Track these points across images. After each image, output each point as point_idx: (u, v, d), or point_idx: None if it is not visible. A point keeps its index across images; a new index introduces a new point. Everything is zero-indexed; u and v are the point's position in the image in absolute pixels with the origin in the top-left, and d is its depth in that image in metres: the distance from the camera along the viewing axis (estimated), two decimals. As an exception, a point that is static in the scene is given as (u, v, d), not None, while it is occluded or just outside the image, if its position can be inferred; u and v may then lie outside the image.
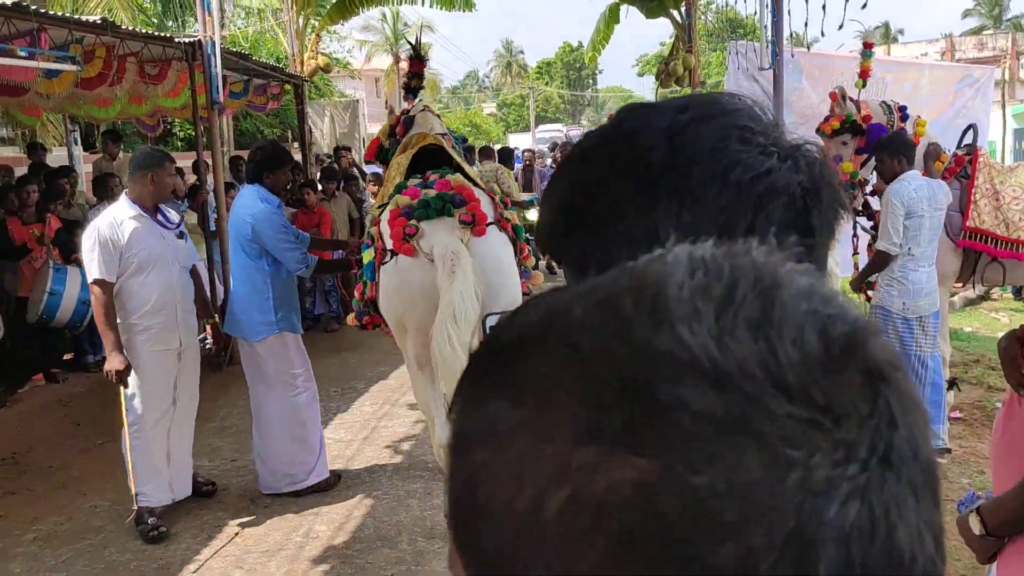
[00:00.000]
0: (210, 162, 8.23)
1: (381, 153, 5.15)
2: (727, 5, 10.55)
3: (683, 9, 12.44)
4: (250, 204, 4.73)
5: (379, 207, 4.31)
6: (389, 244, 3.98)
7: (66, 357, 8.37)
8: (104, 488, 5.25)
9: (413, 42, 5.92)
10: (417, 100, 5.36)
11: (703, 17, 19.37)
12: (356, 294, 4.34)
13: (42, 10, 6.74)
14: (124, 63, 7.78)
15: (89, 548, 4.41)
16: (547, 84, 67.05)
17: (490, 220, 4.03)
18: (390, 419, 6.29)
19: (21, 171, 9.66)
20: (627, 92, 73.90)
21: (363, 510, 4.66)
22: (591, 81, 73.38)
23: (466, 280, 3.67)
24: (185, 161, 11.08)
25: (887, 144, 5.14)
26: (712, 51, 38.53)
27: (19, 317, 7.69)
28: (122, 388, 4.47)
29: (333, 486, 4.97)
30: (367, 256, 4.15)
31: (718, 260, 0.39)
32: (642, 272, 0.39)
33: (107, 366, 4.39)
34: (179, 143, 16.54)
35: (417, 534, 4.33)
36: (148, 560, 4.23)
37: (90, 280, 4.41)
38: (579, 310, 0.38)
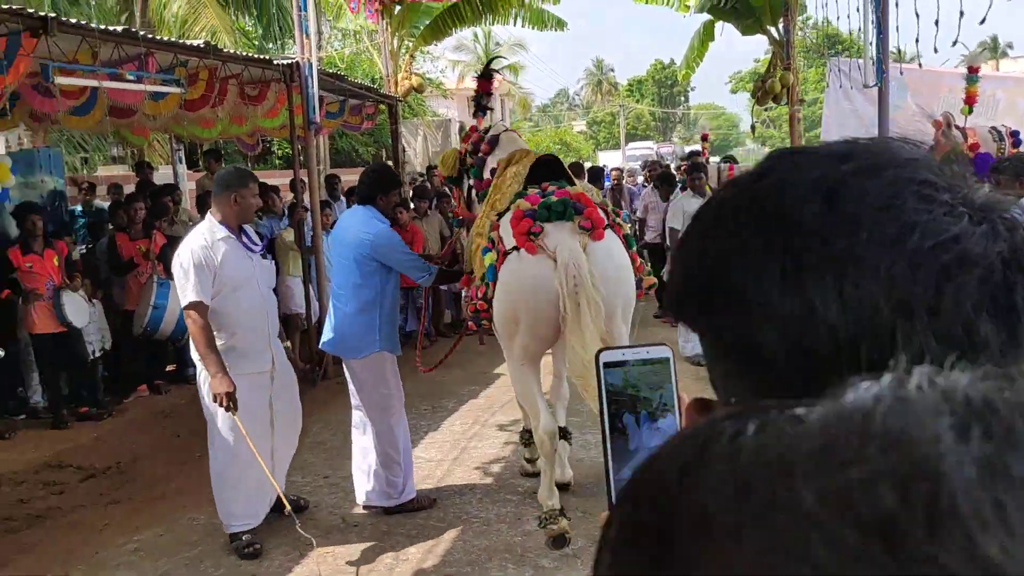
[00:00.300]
0: (306, 180, 8.38)
1: (462, 171, 5.47)
2: (827, 22, 10.24)
3: (781, 25, 12.15)
4: (368, 224, 4.71)
5: (497, 214, 4.44)
6: (511, 244, 4.17)
7: (168, 368, 8.63)
8: (201, 501, 5.34)
9: (497, 63, 5.97)
10: (486, 118, 5.56)
11: (800, 32, 18.89)
12: (473, 299, 4.45)
13: (150, 35, 6.99)
14: (225, 85, 8.03)
15: (186, 561, 4.48)
16: (637, 101, 66.66)
17: (606, 224, 4.26)
18: (480, 439, 6.25)
19: (129, 188, 10.06)
20: (719, 109, 72.90)
21: (453, 533, 4.61)
22: (682, 98, 72.59)
23: (587, 288, 3.96)
24: (282, 180, 11.37)
25: (1007, 167, 4.84)
26: (809, 67, 37.66)
27: (125, 330, 7.98)
28: (223, 412, 4.30)
29: (426, 508, 4.94)
30: (488, 259, 4.30)
31: (995, 405, 0.27)
32: (885, 433, 0.27)
33: (215, 389, 4.22)
34: (277, 161, 17.02)
35: (507, 560, 4.26)
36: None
37: (185, 303, 4.32)
38: (809, 496, 0.26)
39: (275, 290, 8.71)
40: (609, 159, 41.14)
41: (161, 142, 12.58)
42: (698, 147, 15.74)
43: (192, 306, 4.32)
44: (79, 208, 9.41)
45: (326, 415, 6.72)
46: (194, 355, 4.46)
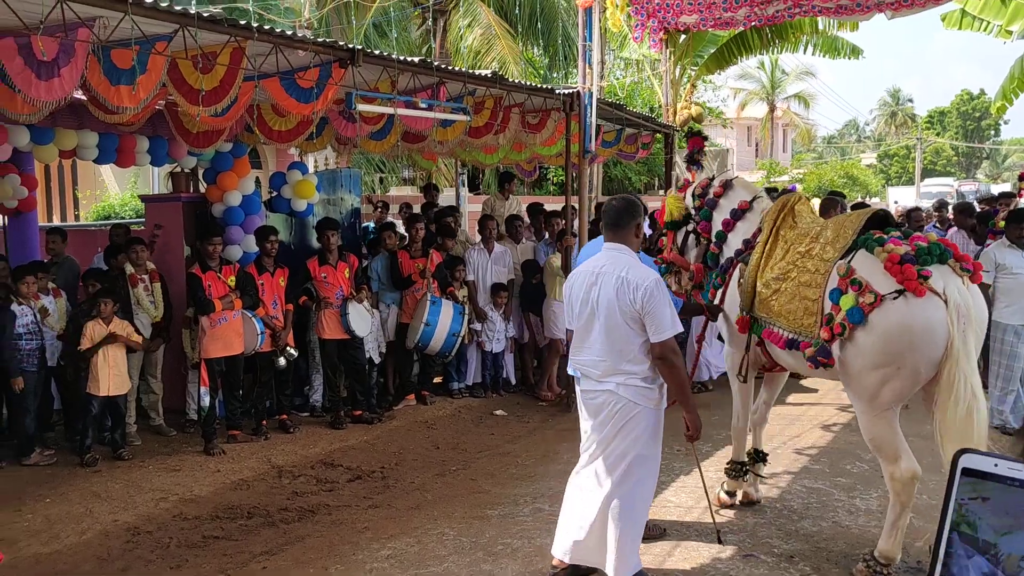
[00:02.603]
0: (576, 207, 8.47)
1: (683, 219, 5.80)
2: None
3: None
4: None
5: (839, 258, 4.50)
6: (889, 288, 4.20)
7: (436, 380, 9.07)
8: (453, 515, 5.51)
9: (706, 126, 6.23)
10: (698, 172, 5.99)
11: None
12: (825, 334, 4.41)
13: (444, 66, 7.39)
14: (508, 113, 8.32)
15: (433, 575, 4.60)
16: (938, 135, 61.45)
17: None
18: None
19: (417, 208, 10.72)
20: (1035, 144, 65.33)
21: (698, 588, 4.36)
22: (992, 132, 65.97)
23: (971, 328, 4.14)
24: (556, 205, 11.61)
25: None
26: None
27: (400, 341, 8.48)
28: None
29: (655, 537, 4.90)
30: (848, 302, 4.30)
31: None
32: None
33: (695, 424, 4.25)
34: (552, 187, 17.47)
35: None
36: (483, 599, 4.30)
37: (672, 334, 4.10)
38: None
39: (541, 314, 8.98)
40: (901, 195, 38.20)
41: (448, 166, 13.35)
42: (1010, 187, 14.01)
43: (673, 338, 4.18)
44: (372, 224, 10.16)
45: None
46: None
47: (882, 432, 4.38)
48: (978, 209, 9.90)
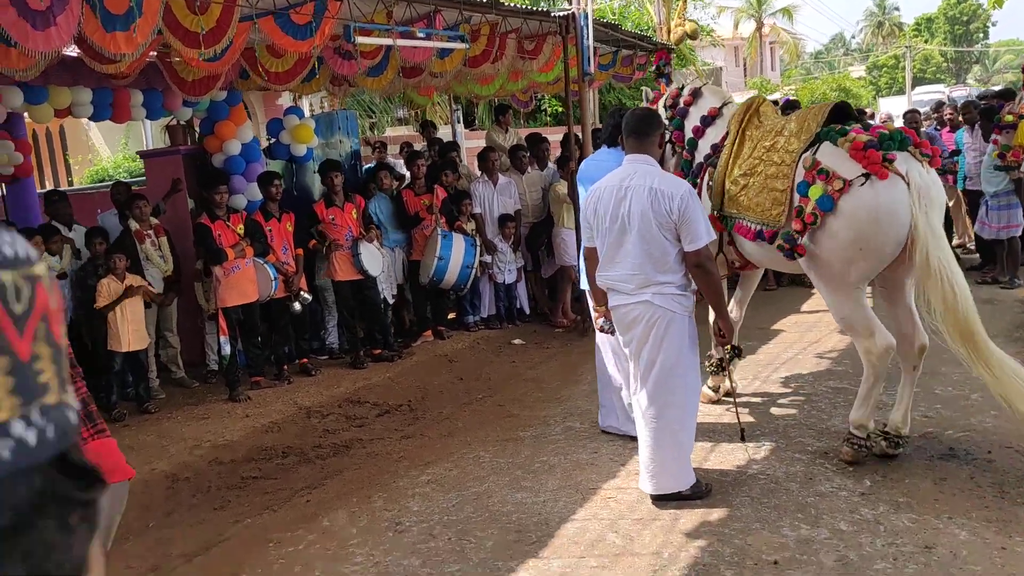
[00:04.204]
0: (579, 134, 8.38)
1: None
2: None
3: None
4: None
5: (803, 150, 4.58)
6: (854, 173, 4.30)
7: (450, 316, 9.09)
8: (486, 439, 5.57)
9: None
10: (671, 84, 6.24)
11: None
12: (797, 225, 4.50)
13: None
14: (505, 40, 8.18)
15: (474, 496, 4.66)
16: (926, 42, 60.69)
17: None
18: (763, 397, 5.97)
19: (417, 148, 10.61)
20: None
21: (739, 488, 4.43)
22: (981, 35, 65.15)
23: (934, 209, 4.29)
24: (555, 136, 11.51)
25: None
26: None
27: (413, 278, 8.48)
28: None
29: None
30: (816, 191, 4.40)
31: None
32: None
33: (728, 331, 4.48)
34: (547, 118, 17.29)
35: (800, 520, 4.01)
36: (528, 514, 4.36)
37: (707, 241, 4.13)
38: None
39: (551, 241, 8.97)
40: (892, 106, 37.85)
41: (442, 104, 13.18)
42: (1005, 87, 13.81)
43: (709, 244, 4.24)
44: (372, 166, 10.07)
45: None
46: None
47: (852, 311, 4.54)
48: (981, 105, 9.81)
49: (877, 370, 4.53)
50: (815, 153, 4.51)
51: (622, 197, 4.15)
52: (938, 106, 15.63)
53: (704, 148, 5.50)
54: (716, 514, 4.16)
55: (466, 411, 6.30)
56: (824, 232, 4.42)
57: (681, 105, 5.73)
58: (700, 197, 5.33)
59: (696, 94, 5.72)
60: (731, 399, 5.52)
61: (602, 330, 4.76)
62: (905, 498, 4.16)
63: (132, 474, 1.59)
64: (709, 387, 5.86)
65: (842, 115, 4.81)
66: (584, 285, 5.23)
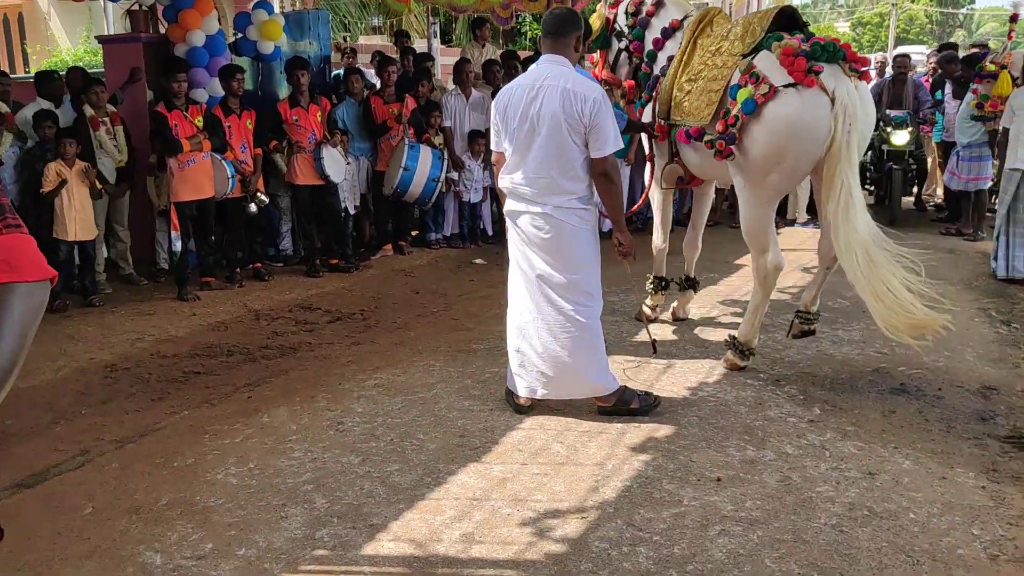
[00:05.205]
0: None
1: (610, 35, 5.78)
2: None
3: None
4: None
5: (742, 56, 4.59)
6: (783, 80, 4.29)
7: (413, 233, 8.91)
8: (438, 350, 5.46)
9: None
10: None
11: None
12: (720, 127, 4.54)
13: None
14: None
15: (421, 401, 4.57)
16: (913, 1, 60.27)
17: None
18: (718, 325, 5.92)
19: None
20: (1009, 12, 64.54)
21: (688, 409, 4.38)
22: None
23: (858, 129, 4.26)
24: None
25: None
26: None
27: (376, 190, 8.26)
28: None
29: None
30: (744, 94, 4.40)
31: None
32: None
33: (628, 243, 4.24)
34: (527, 42, 16.91)
35: (747, 441, 3.97)
36: (473, 420, 4.28)
37: (613, 150, 3.96)
38: None
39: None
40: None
41: (419, 16, 12.77)
42: (984, 44, 13.61)
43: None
44: (342, 72, 9.73)
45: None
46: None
47: (759, 224, 4.65)
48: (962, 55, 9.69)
49: (765, 287, 4.71)
50: (752, 59, 4.50)
51: (533, 97, 3.95)
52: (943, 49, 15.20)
53: (662, 60, 5.37)
54: (663, 431, 4.10)
55: (420, 322, 6.18)
56: (748, 136, 4.44)
57: (643, 15, 5.55)
58: (654, 108, 5.28)
59: (659, 4, 5.53)
60: (651, 318, 5.77)
61: None
62: (853, 427, 4.14)
63: (53, 274, 1.40)
64: (648, 305, 5.95)
65: (790, 21, 4.74)
66: None
